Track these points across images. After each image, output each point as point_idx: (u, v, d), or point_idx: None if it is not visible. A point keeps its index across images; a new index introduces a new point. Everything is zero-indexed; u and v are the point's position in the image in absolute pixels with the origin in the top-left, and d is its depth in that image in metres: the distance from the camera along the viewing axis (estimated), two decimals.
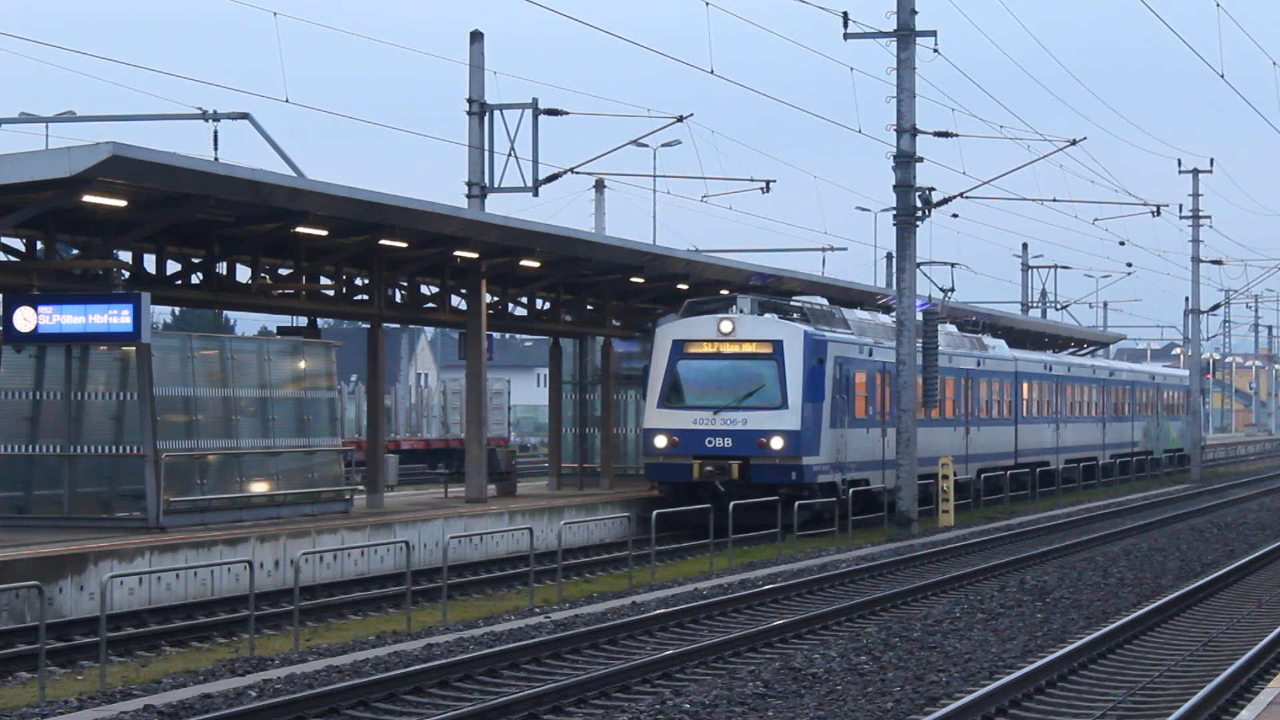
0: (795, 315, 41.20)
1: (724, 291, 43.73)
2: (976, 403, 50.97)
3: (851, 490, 41.14)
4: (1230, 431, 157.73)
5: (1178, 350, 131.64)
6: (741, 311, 40.35)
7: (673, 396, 39.77)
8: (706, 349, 39.75)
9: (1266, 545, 36.32)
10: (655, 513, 32.31)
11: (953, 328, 51.56)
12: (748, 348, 39.68)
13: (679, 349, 39.86)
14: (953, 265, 52.06)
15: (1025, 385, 55.74)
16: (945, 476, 43.58)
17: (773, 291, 45.09)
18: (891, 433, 43.16)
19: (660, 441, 39.51)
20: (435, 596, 26.71)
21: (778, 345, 39.57)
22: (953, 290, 52.89)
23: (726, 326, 39.71)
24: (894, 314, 45.49)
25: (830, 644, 21.75)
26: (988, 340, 54.08)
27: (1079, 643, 21.35)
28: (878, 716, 17.31)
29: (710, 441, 39.04)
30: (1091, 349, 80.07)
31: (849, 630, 23.67)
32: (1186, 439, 77.42)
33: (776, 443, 38.80)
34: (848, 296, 48.64)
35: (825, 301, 44.18)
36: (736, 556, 33.08)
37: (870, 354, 43.30)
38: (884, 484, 42.81)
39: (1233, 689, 18.52)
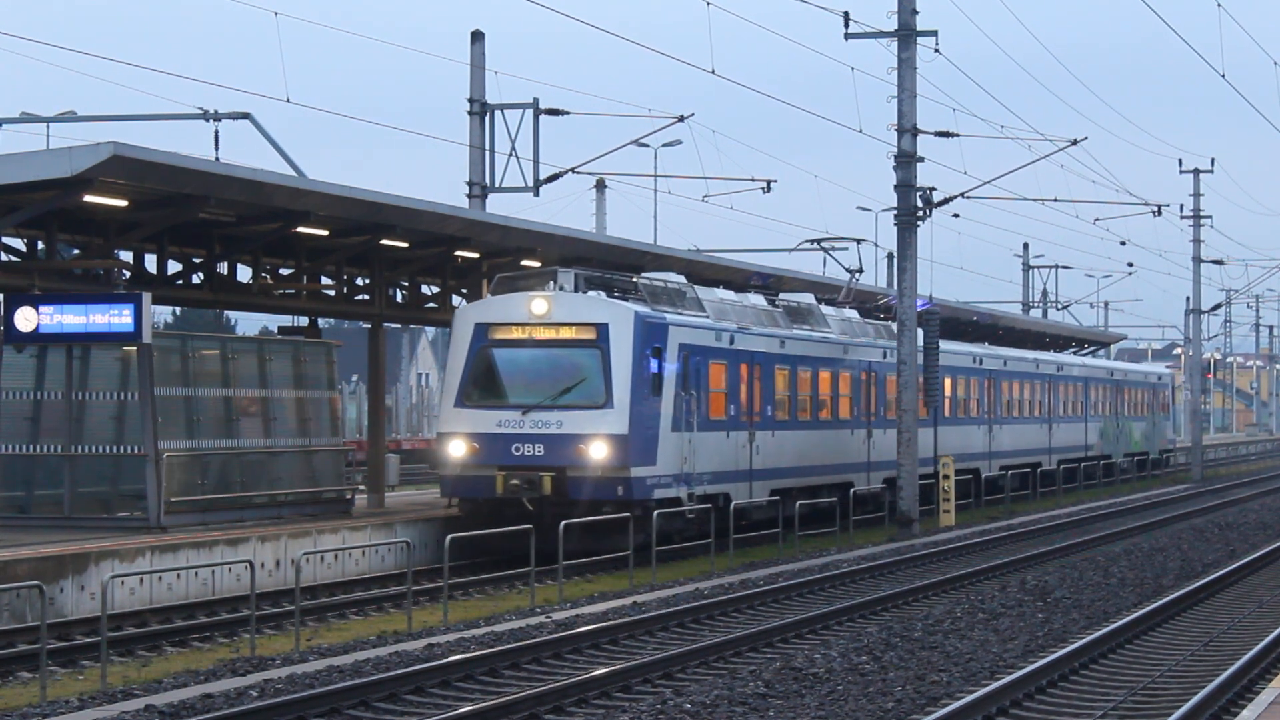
0: (631, 294, 33.98)
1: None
2: (883, 401, 43.93)
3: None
4: (1231, 431, 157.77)
5: (1178, 350, 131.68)
6: (561, 289, 33.29)
7: (473, 393, 32.64)
8: (515, 334, 32.65)
9: (1267, 545, 36.32)
10: (656, 513, 31.79)
11: (853, 314, 45.01)
12: (565, 333, 32.50)
13: (482, 334, 32.74)
14: (859, 241, 46.24)
15: (949, 381, 48.86)
16: (946, 476, 43.56)
17: (646, 274, 36.77)
18: (760, 436, 37.23)
19: (457, 449, 32.27)
20: (436, 596, 26.74)
21: (602, 330, 32.28)
22: (860, 271, 47.75)
23: (540, 307, 32.45)
24: (777, 298, 42.38)
25: (831, 644, 21.76)
26: None
27: (1080, 643, 21.35)
28: (879, 716, 17.31)
29: (517, 449, 32.03)
30: (1092, 349, 79.94)
31: (850, 630, 23.68)
32: (1152, 441, 74.07)
33: (598, 450, 31.75)
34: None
35: (683, 279, 36.98)
36: (737, 557, 33.09)
37: (732, 342, 36.17)
38: (750, 498, 36.27)
39: (1233, 689, 18.53)
